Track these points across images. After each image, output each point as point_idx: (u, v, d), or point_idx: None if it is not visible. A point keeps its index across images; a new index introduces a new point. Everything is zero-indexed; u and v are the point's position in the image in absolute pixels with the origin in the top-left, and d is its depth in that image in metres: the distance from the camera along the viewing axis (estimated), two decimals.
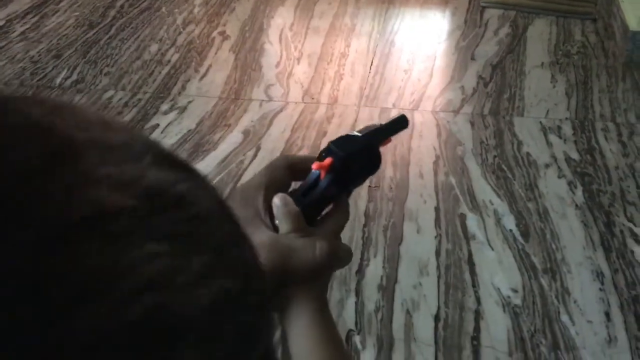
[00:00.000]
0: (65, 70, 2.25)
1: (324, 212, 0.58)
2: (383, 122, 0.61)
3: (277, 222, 0.53)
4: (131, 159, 0.23)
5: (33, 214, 0.20)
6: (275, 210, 0.53)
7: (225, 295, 0.23)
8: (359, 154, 0.56)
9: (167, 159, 0.25)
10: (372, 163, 0.59)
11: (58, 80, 2.20)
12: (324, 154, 0.55)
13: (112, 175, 0.22)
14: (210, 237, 0.24)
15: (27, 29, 2.55)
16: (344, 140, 0.57)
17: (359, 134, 0.58)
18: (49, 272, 0.19)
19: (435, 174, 1.69)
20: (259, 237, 0.51)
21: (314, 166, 0.54)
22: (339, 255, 0.54)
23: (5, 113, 0.23)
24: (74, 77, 2.21)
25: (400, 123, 0.62)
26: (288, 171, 0.56)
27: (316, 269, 0.51)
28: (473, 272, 1.40)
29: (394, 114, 1.94)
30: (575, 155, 1.73)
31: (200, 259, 0.23)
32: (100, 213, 0.21)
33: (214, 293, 0.22)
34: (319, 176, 0.55)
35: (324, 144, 1.96)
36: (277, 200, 0.53)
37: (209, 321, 0.22)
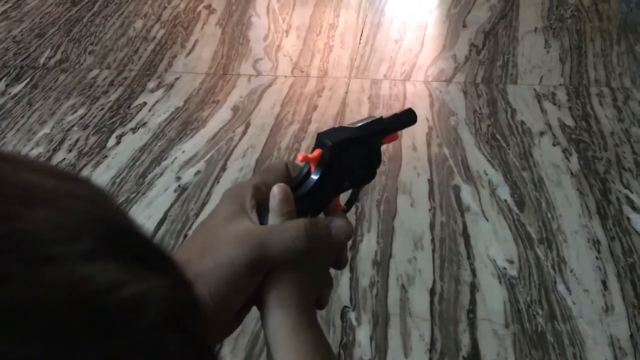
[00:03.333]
0: (49, 50, 2.20)
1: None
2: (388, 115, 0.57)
3: (269, 214, 0.51)
4: (49, 257, 0.17)
5: None
6: (271, 200, 0.50)
7: None
8: (350, 145, 0.52)
9: (118, 245, 0.20)
10: (370, 157, 0.55)
11: (42, 60, 2.15)
12: (314, 147, 0.52)
13: (11, 302, 0.16)
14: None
15: (8, 7, 2.48)
16: (335, 131, 0.53)
17: (355, 125, 0.54)
18: None
19: (429, 145, 1.66)
20: (235, 228, 0.49)
21: (300, 158, 0.51)
22: (327, 234, 0.51)
23: None
24: (58, 56, 2.16)
25: (407, 117, 0.57)
26: (285, 173, 0.54)
27: (296, 248, 0.49)
28: (468, 244, 1.38)
29: (385, 85, 1.90)
30: (570, 122, 1.70)
31: None
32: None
33: None
34: (309, 170, 0.52)
35: (314, 118, 1.93)
36: (276, 190, 0.50)
37: None
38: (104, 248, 0.19)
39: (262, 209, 0.51)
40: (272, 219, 0.50)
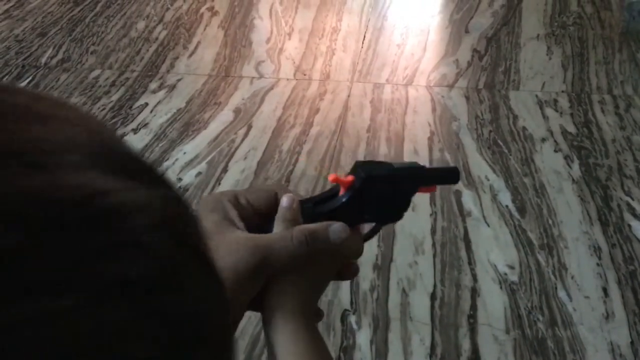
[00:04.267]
0: (51, 49, 2.20)
1: None
2: (434, 166, 0.58)
3: (275, 221, 0.51)
4: (41, 164, 0.18)
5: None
6: (280, 209, 0.50)
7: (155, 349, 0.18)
8: (382, 182, 0.53)
9: (113, 161, 0.20)
10: (397, 200, 0.54)
11: (43, 60, 2.14)
12: (349, 172, 0.53)
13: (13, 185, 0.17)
14: (132, 280, 0.18)
15: (11, 6, 2.48)
16: (374, 165, 0.54)
17: (394, 165, 0.54)
18: None
19: (430, 150, 1.67)
20: (233, 235, 0.48)
21: (331, 178, 0.52)
22: (323, 239, 0.50)
23: None
24: (60, 55, 2.16)
25: (450, 174, 0.58)
26: (269, 198, 0.53)
27: (296, 254, 0.48)
28: (469, 250, 1.38)
29: (387, 89, 1.91)
30: (571, 129, 1.70)
31: (104, 316, 0.17)
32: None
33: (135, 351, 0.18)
34: (338, 191, 0.53)
35: (316, 121, 1.93)
36: (284, 199, 0.51)
37: None
38: (96, 161, 0.20)
39: (248, 220, 0.51)
40: (277, 225, 0.51)
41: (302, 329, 0.49)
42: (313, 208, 0.52)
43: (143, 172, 0.21)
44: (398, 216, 0.56)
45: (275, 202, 0.52)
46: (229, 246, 0.48)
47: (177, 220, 0.21)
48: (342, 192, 0.52)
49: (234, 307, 0.47)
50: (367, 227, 0.56)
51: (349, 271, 0.56)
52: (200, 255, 0.22)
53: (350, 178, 0.52)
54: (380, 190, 0.53)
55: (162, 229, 0.20)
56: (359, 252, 0.53)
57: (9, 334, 0.16)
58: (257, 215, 0.52)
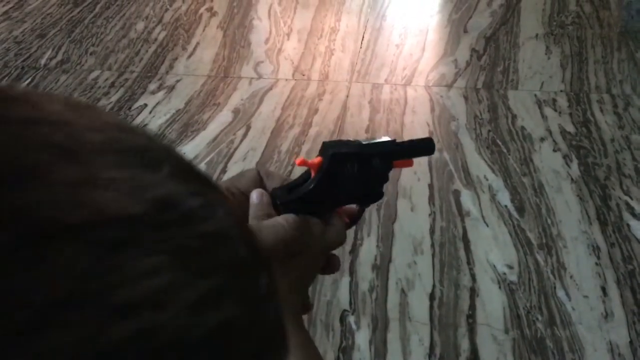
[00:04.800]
0: (50, 50, 2.20)
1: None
2: (408, 139, 0.56)
3: (250, 221, 0.51)
4: (147, 165, 0.22)
5: (21, 213, 0.18)
6: (251, 206, 0.50)
7: (228, 325, 0.21)
8: (349, 159, 0.51)
9: (186, 171, 0.23)
10: (370, 176, 0.53)
11: (43, 61, 2.15)
12: (318, 154, 0.52)
13: (121, 180, 0.20)
14: (221, 259, 0.22)
15: (10, 8, 2.49)
16: (341, 143, 0.53)
17: (363, 142, 0.53)
18: (24, 276, 0.17)
19: None
20: None
21: (298, 161, 0.51)
22: (309, 233, 0.51)
23: (19, 104, 0.21)
24: (59, 57, 2.16)
25: (424, 145, 0.56)
26: (254, 181, 0.54)
27: (287, 238, 0.48)
28: (468, 249, 1.38)
29: (386, 89, 1.91)
30: (570, 128, 1.70)
31: (207, 283, 0.20)
32: (101, 217, 0.19)
33: (216, 321, 0.20)
34: (309, 175, 0.52)
35: (315, 121, 1.93)
36: (254, 194, 0.51)
37: (205, 351, 0.20)
38: (181, 171, 0.23)
39: (242, 208, 0.51)
40: (251, 221, 0.50)
41: (289, 320, 0.48)
42: (287, 195, 0.51)
43: (209, 181, 0.25)
44: (377, 195, 0.55)
45: (261, 179, 0.54)
46: None
47: (241, 222, 0.25)
48: (312, 175, 0.51)
49: None
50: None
51: (332, 265, 0.55)
52: (259, 252, 0.25)
53: (318, 159, 0.51)
54: (350, 168, 0.52)
55: (235, 226, 0.23)
56: (344, 237, 0.53)
57: (129, 278, 0.19)
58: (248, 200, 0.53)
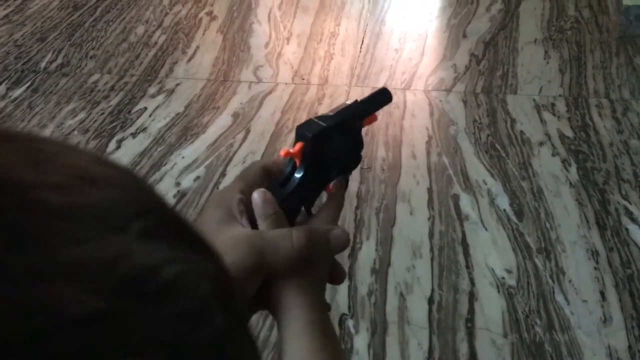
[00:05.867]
0: (50, 54, 2.20)
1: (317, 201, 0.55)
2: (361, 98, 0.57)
3: (258, 222, 0.50)
4: (114, 228, 0.19)
5: None
6: (254, 207, 0.50)
7: None
8: (330, 133, 0.52)
9: (168, 228, 0.21)
10: (352, 142, 0.54)
11: (43, 64, 2.15)
12: (295, 140, 0.52)
13: (79, 261, 0.17)
14: (193, 344, 0.19)
15: (10, 11, 2.49)
16: (313, 122, 0.53)
17: (330, 114, 0.54)
18: None
19: (428, 154, 1.67)
20: (232, 233, 0.48)
21: (282, 153, 0.51)
22: (325, 244, 0.51)
23: None
24: (59, 60, 2.17)
25: (382, 97, 0.57)
26: (262, 173, 0.54)
27: (296, 258, 0.48)
28: (467, 254, 1.38)
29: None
30: (569, 133, 1.70)
31: None
32: (53, 325, 0.16)
33: None
34: (294, 164, 0.52)
35: None
36: (255, 195, 0.50)
37: None
38: (158, 229, 0.20)
39: (251, 214, 0.51)
40: (259, 224, 0.51)
41: (311, 323, 0.49)
42: (280, 189, 0.51)
43: (191, 237, 0.22)
44: (358, 158, 0.55)
45: (265, 173, 0.53)
46: (226, 243, 0.47)
47: (226, 290, 0.23)
48: (298, 163, 0.51)
49: None
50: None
51: (338, 274, 0.56)
52: (238, 313, 0.23)
53: (299, 145, 0.51)
54: (332, 141, 0.52)
55: (214, 295, 0.21)
56: (348, 242, 0.53)
57: None
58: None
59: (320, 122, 0.52)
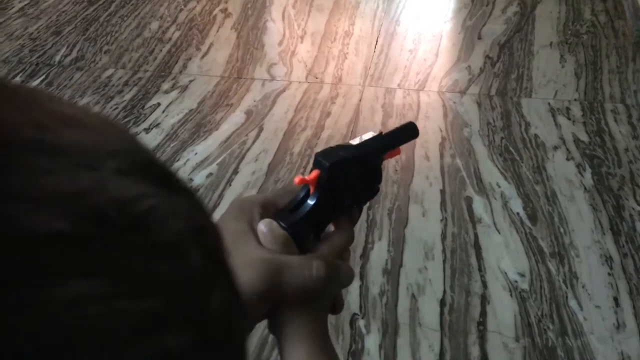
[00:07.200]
0: (65, 48, 2.21)
1: (326, 230, 0.54)
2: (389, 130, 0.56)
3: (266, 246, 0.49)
4: (87, 166, 0.19)
5: None
6: (260, 236, 0.49)
7: (167, 356, 0.18)
8: (348, 164, 0.51)
9: (142, 167, 0.21)
10: (369, 175, 0.53)
11: (57, 58, 2.16)
12: (312, 167, 0.51)
13: (50, 189, 0.17)
14: (167, 276, 0.19)
15: (25, 4, 2.50)
16: (333, 151, 0.52)
17: (353, 143, 0.53)
18: None
19: (441, 155, 1.66)
20: (250, 251, 0.47)
21: (296, 180, 0.50)
22: (338, 277, 0.50)
23: None
24: (74, 54, 2.17)
25: (408, 131, 0.56)
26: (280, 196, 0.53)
27: (311, 289, 0.48)
28: (479, 256, 1.37)
29: (399, 94, 1.91)
30: (584, 137, 1.69)
31: (143, 305, 0.18)
32: (15, 241, 0.16)
33: (151, 352, 0.18)
34: (308, 190, 0.51)
35: (327, 124, 1.92)
36: (262, 225, 0.49)
37: None
38: (134, 169, 0.20)
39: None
40: (270, 253, 0.49)
41: (316, 350, 0.48)
42: (290, 216, 0.50)
43: (169, 179, 0.22)
44: (375, 190, 0.55)
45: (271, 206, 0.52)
46: (242, 262, 0.46)
47: (201, 227, 0.22)
48: (312, 190, 0.51)
49: None
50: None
51: (338, 305, 0.55)
52: (221, 263, 0.23)
53: (315, 173, 0.50)
54: (348, 173, 0.51)
55: (191, 234, 0.21)
56: (353, 278, 0.53)
57: (52, 313, 0.16)
58: None
59: (340, 152, 0.52)
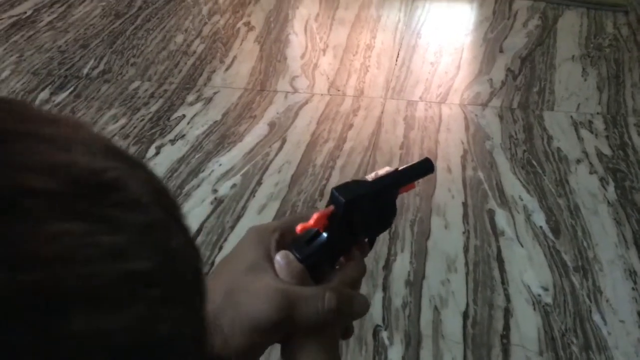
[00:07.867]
0: (93, 60, 2.26)
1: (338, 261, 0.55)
2: (405, 165, 0.57)
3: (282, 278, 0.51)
4: (62, 149, 0.25)
5: None
6: (277, 267, 0.51)
7: (133, 275, 0.23)
8: (363, 201, 0.52)
9: (108, 151, 0.27)
10: (384, 209, 0.55)
11: (85, 70, 2.21)
12: (328, 202, 0.52)
13: (37, 162, 0.23)
14: (131, 221, 0.24)
15: (54, 18, 2.56)
16: (350, 186, 0.53)
17: (369, 179, 0.54)
18: None
19: (464, 168, 1.67)
20: (267, 282, 0.49)
21: (314, 217, 0.51)
22: (350, 308, 0.52)
23: None
24: (101, 67, 2.22)
25: (424, 167, 0.58)
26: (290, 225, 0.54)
27: (324, 320, 0.49)
28: (502, 269, 1.38)
29: (420, 106, 1.92)
30: (607, 151, 1.69)
31: (112, 239, 0.23)
32: (17, 193, 0.22)
33: (120, 271, 0.23)
34: (324, 225, 0.52)
35: (349, 137, 1.94)
36: (279, 257, 0.51)
37: (108, 296, 0.23)
38: (101, 151, 0.26)
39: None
40: (286, 284, 0.50)
41: None
42: (305, 248, 0.52)
43: (128, 157, 0.28)
44: (388, 224, 0.57)
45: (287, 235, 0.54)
46: (256, 293, 0.48)
47: (158, 189, 0.28)
48: (327, 224, 0.52)
49: (244, 355, 0.48)
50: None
51: (348, 332, 0.56)
52: (178, 218, 0.29)
53: (330, 209, 0.51)
54: (363, 208, 0.53)
55: (150, 193, 0.27)
56: (367, 309, 0.54)
57: (38, 244, 0.22)
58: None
59: (356, 188, 0.53)
